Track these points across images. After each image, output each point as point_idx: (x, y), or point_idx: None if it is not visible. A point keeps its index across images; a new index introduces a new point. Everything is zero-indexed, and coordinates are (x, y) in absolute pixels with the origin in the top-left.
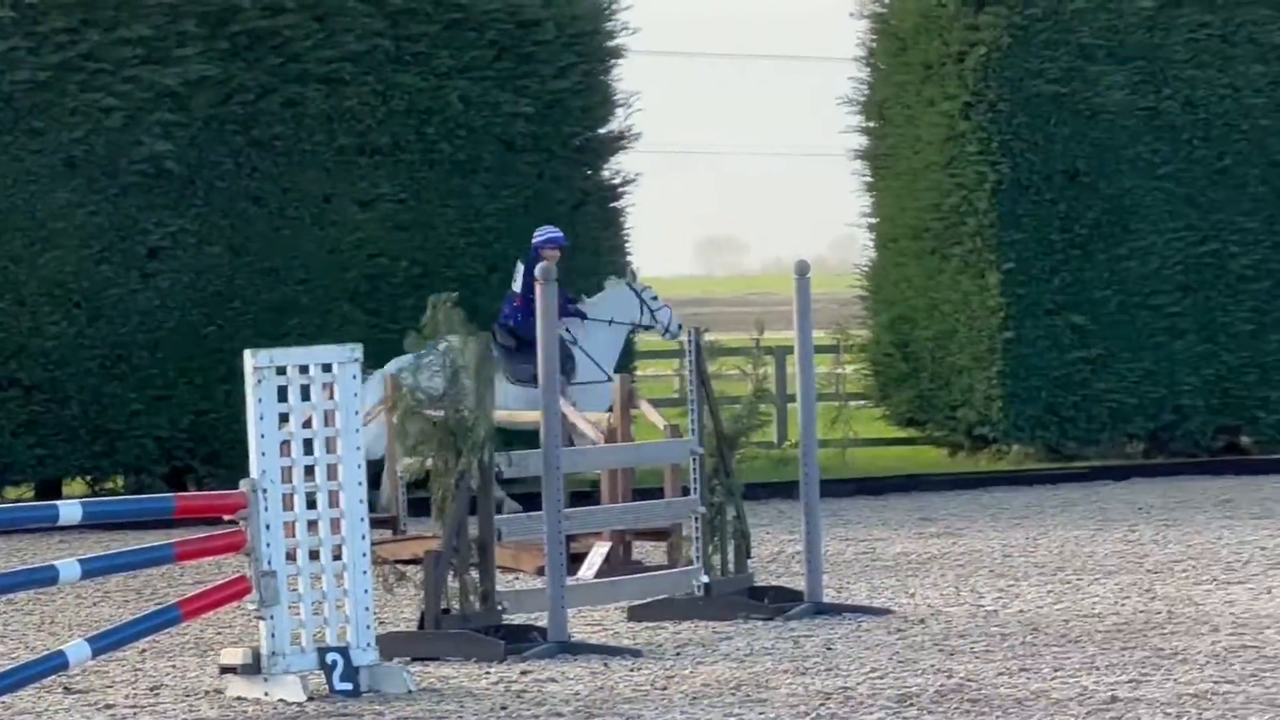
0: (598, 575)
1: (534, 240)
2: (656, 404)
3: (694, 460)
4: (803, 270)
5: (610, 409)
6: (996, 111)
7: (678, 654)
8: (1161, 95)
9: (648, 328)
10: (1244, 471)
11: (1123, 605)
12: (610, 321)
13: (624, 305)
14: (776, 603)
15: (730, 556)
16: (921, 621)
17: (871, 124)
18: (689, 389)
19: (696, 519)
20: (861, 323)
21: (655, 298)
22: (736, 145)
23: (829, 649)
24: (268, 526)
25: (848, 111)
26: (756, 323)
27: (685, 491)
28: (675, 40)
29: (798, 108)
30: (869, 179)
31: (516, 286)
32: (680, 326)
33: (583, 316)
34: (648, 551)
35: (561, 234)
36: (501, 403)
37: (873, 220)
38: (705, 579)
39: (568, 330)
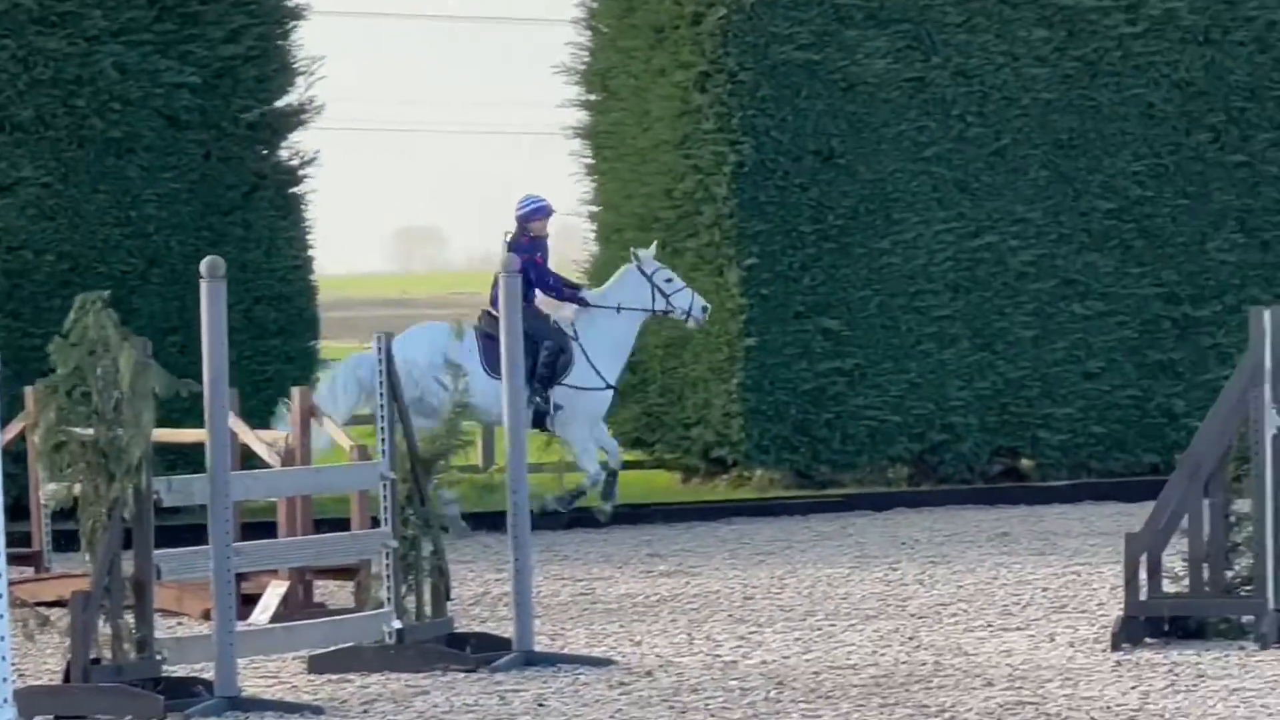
0: (273, 620)
1: (516, 212)
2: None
3: (384, 486)
4: (510, 266)
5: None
6: (738, 83)
7: (365, 711)
8: (929, 64)
9: (665, 314)
10: (1023, 500)
11: (882, 655)
12: (619, 308)
13: (633, 291)
14: (480, 652)
15: (426, 598)
16: (649, 674)
17: (593, 97)
18: (378, 404)
19: (387, 555)
20: None
21: (670, 279)
22: (437, 121)
23: (541, 705)
24: None
25: (565, 82)
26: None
27: (375, 523)
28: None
29: (509, 78)
30: (590, 161)
31: None
32: (706, 309)
33: (583, 303)
34: (331, 592)
35: (546, 200)
36: (475, 399)
37: (594, 208)
38: (397, 624)
39: (572, 325)
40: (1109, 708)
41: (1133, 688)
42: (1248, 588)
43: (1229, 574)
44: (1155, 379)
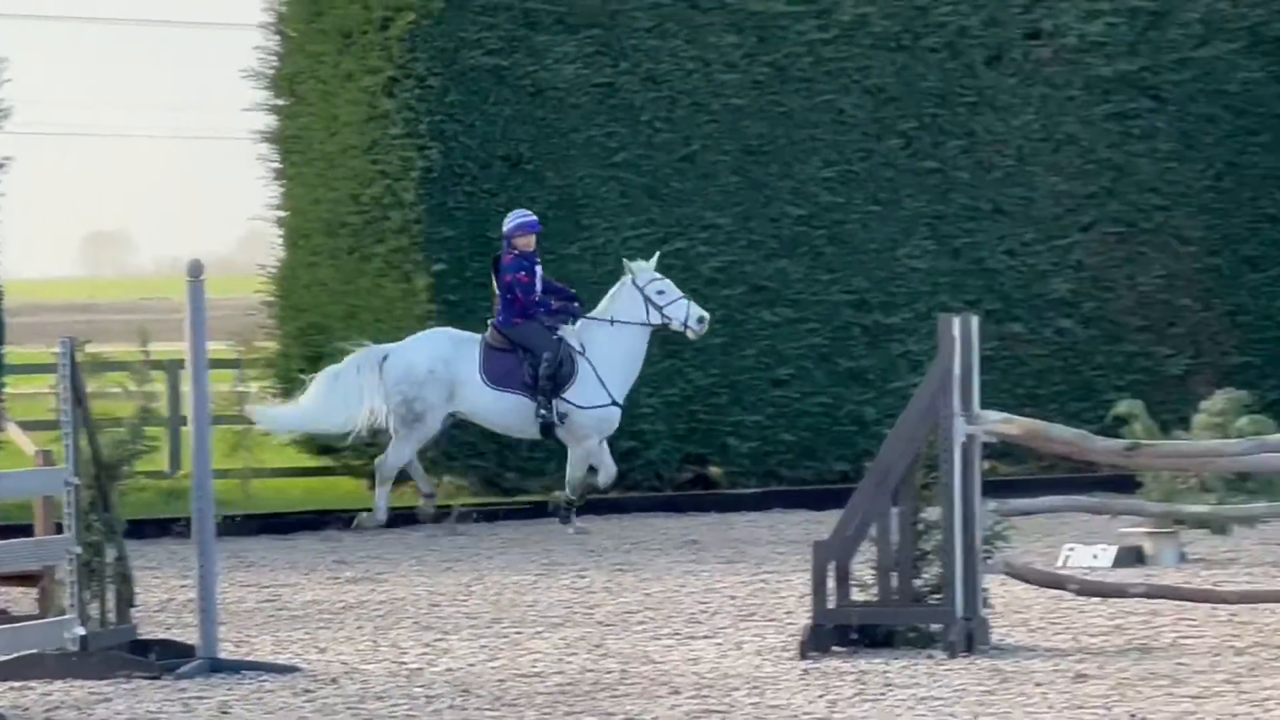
0: None
1: (504, 227)
2: (29, 426)
3: (68, 492)
4: (195, 271)
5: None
6: (426, 88)
7: (48, 718)
8: (619, 69)
9: (664, 326)
10: (713, 507)
11: (568, 663)
12: (612, 321)
13: (627, 307)
14: (165, 659)
15: (110, 605)
16: (334, 681)
17: (281, 101)
18: (61, 409)
19: (71, 561)
20: (268, 333)
21: (662, 291)
22: (127, 125)
23: (225, 713)
24: None
25: (254, 86)
26: (141, 332)
27: (59, 529)
28: (53, 2)
29: (200, 82)
30: (278, 165)
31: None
32: (703, 320)
33: (574, 316)
34: (14, 599)
35: (534, 217)
36: (472, 408)
37: (282, 214)
38: (81, 631)
39: (578, 339)
40: (796, 716)
41: (820, 696)
42: (936, 596)
43: (917, 582)
44: (845, 386)
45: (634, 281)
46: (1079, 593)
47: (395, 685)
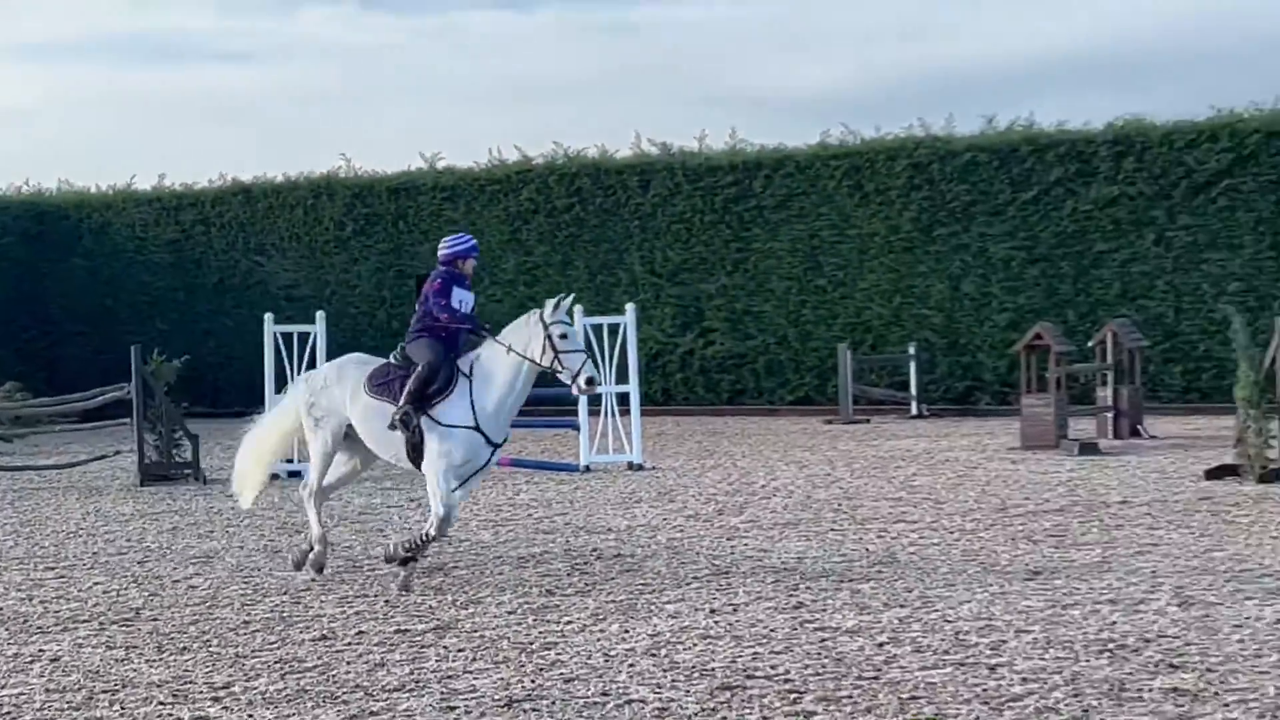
0: None
1: (445, 250)
2: None
3: None
4: None
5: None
6: None
7: None
8: None
9: (554, 371)
10: None
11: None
12: (509, 349)
13: (527, 338)
14: None
15: None
16: None
17: None
18: None
19: None
20: None
21: (565, 336)
22: None
23: None
24: None
25: None
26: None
27: None
28: None
29: None
30: None
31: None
32: (591, 381)
33: (475, 331)
34: None
35: (473, 241)
36: (356, 417)
37: None
38: None
39: (468, 361)
40: None
41: None
42: None
43: None
44: None
45: (541, 316)
46: None
47: None
